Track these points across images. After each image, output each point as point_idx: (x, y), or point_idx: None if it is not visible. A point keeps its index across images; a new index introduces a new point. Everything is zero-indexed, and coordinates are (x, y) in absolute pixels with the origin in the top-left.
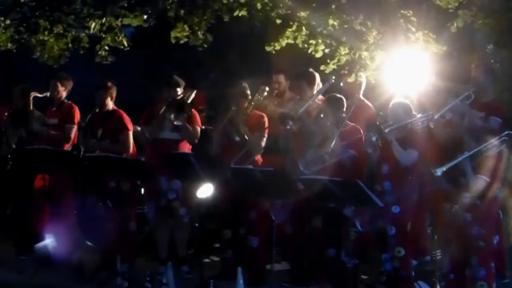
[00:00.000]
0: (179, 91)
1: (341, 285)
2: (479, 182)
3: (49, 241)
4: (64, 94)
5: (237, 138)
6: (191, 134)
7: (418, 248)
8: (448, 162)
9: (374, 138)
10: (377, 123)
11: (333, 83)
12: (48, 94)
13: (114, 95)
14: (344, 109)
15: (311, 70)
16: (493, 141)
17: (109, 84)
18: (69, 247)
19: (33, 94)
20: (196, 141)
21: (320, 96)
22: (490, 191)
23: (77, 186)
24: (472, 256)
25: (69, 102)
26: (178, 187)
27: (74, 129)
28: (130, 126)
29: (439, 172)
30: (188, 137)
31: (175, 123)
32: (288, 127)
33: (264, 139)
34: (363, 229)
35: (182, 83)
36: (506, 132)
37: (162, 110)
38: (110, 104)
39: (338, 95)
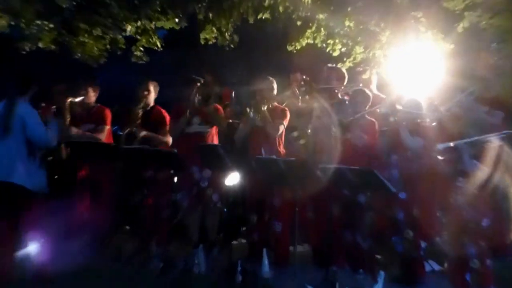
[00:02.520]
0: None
1: (358, 265)
2: (474, 168)
3: (32, 248)
4: (94, 98)
5: (258, 119)
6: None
7: (428, 230)
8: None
9: (393, 119)
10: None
11: (349, 78)
12: (82, 98)
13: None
14: (369, 104)
15: (343, 70)
16: (493, 136)
17: (155, 83)
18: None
19: (70, 99)
20: (225, 125)
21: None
22: (486, 179)
23: (116, 176)
24: (464, 236)
25: (98, 105)
26: (209, 176)
27: (107, 128)
28: (168, 121)
29: (441, 146)
30: (217, 124)
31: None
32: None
33: (282, 127)
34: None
35: (198, 80)
36: (506, 132)
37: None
38: (152, 101)
39: (368, 91)
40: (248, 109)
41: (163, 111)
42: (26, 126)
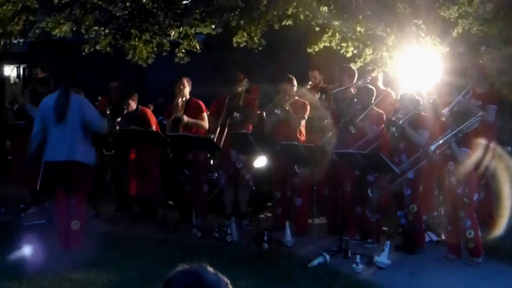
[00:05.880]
0: (235, 87)
1: (367, 235)
2: (463, 154)
3: (26, 250)
4: (134, 105)
5: (281, 113)
6: (252, 118)
7: (427, 205)
8: (438, 140)
9: (394, 129)
10: (393, 118)
11: (360, 75)
12: (126, 111)
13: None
14: (373, 98)
15: (353, 67)
16: (471, 121)
17: (188, 79)
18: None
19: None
20: (256, 121)
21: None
22: (472, 159)
23: (162, 158)
24: (460, 210)
25: (141, 108)
26: (244, 158)
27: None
28: (205, 109)
29: (432, 148)
30: (250, 121)
31: (237, 115)
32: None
33: (304, 120)
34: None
35: (236, 79)
36: (480, 113)
37: (226, 105)
38: (188, 94)
39: (371, 86)
40: (274, 107)
41: (199, 101)
42: (84, 113)
